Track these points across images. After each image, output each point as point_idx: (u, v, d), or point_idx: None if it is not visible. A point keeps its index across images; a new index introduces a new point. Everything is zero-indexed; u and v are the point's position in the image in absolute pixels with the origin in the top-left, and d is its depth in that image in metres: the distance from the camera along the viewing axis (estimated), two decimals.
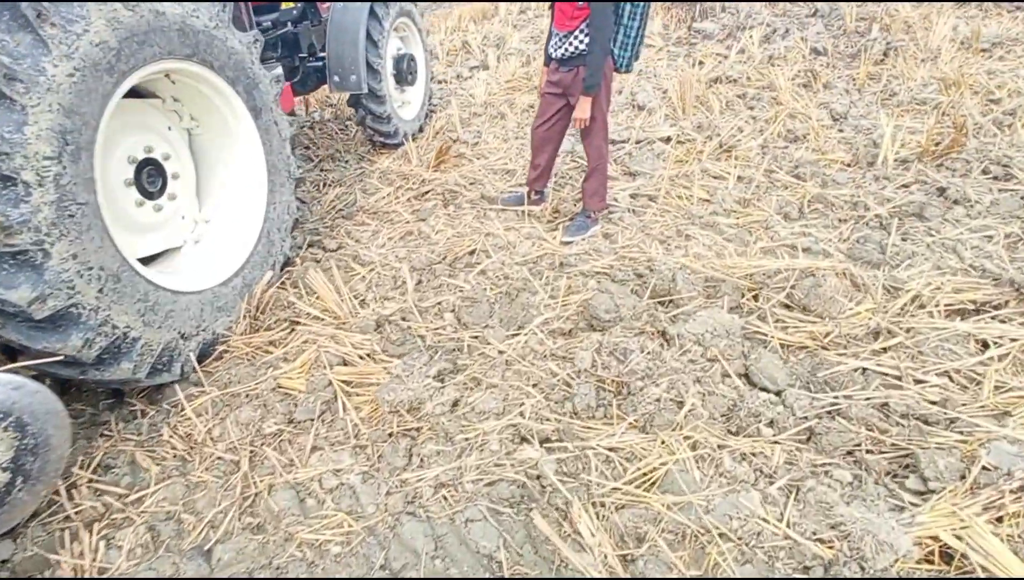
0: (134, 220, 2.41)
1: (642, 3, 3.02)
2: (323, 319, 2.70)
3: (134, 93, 2.35)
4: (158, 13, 2.12)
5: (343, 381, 2.33)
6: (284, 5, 3.77)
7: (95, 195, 1.97)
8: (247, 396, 2.34)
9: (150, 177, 2.44)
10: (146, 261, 2.52)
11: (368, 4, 4.01)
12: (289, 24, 3.84)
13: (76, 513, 1.89)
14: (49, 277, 1.83)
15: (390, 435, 2.11)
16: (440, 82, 6.41)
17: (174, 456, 2.13)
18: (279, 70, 3.48)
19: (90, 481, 2.01)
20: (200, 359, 2.49)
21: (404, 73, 4.50)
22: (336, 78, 3.94)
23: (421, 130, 4.91)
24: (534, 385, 2.25)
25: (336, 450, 2.08)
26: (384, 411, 2.18)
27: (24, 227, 1.75)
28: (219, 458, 2.09)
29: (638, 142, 4.45)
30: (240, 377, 2.42)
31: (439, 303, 2.76)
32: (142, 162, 2.41)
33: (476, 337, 2.54)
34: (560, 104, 3.28)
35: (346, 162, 4.52)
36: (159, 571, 1.72)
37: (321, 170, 4.47)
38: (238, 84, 2.59)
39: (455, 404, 2.20)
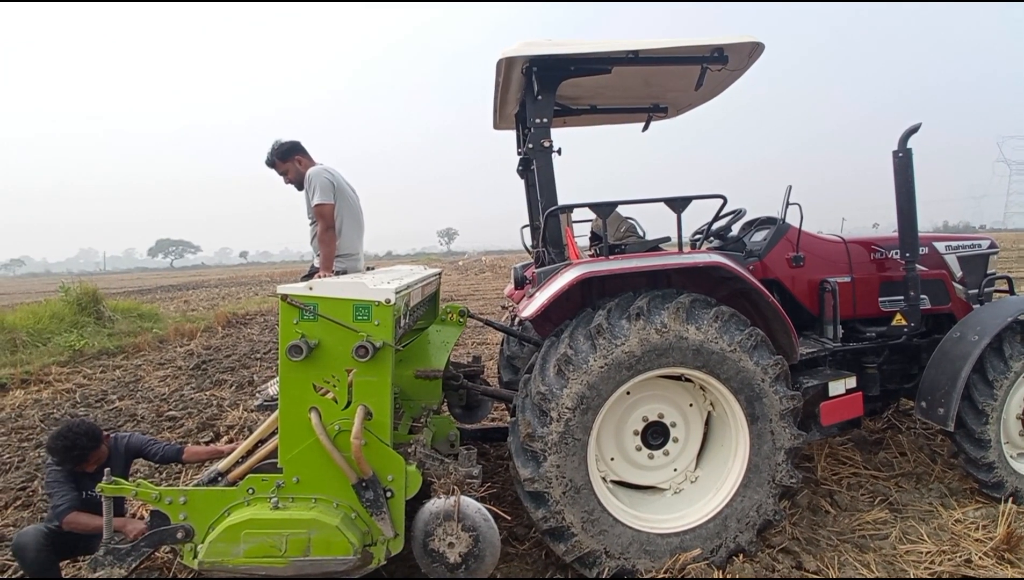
0: (630, 457, 3.33)
1: None
2: None
3: (678, 376, 3.28)
4: (681, 337, 2.97)
5: None
6: (896, 321, 3.76)
7: (588, 435, 3.01)
8: None
9: (654, 434, 3.31)
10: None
11: (996, 336, 3.39)
12: (895, 338, 3.79)
13: None
14: (541, 470, 2.99)
15: None
16: None
17: None
18: (850, 381, 3.59)
19: None
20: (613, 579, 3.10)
21: None
22: (923, 404, 3.53)
23: None
24: None
25: None
26: None
27: (540, 440, 2.98)
28: None
29: None
30: None
31: None
32: (653, 422, 3.31)
33: None
34: None
35: (919, 490, 3.83)
36: None
37: (877, 481, 3.99)
38: (740, 394, 3.09)
39: None
